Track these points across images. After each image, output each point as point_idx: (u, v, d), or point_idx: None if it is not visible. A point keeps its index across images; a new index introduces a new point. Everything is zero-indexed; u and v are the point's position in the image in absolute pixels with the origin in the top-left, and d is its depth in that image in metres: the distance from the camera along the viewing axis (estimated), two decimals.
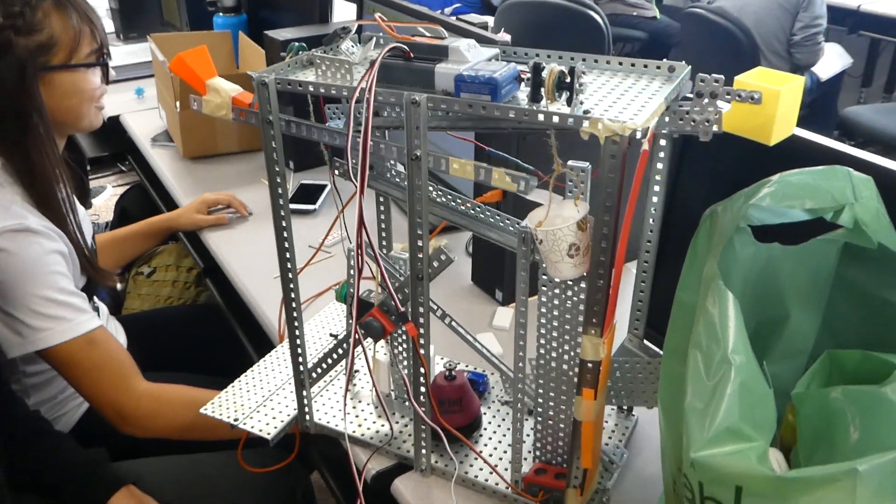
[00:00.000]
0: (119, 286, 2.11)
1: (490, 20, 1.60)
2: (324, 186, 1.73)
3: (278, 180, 0.87)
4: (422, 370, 0.89)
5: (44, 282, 1.10)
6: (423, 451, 0.95)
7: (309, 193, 1.71)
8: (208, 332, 1.62)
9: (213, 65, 0.89)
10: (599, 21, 2.78)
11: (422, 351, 0.87)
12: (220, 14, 2.33)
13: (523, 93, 0.77)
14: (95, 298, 1.40)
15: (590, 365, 0.77)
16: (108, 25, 2.97)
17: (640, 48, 4.28)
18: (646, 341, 1.00)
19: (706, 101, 0.77)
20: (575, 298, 0.81)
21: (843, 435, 0.66)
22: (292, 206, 1.65)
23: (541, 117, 0.70)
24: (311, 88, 0.82)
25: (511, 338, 1.26)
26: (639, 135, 0.67)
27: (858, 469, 0.59)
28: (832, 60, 3.53)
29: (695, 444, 0.65)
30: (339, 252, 1.48)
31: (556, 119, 0.69)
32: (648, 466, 0.98)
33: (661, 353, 0.99)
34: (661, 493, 0.91)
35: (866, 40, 3.89)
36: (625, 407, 1.04)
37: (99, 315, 1.33)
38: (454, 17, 1.52)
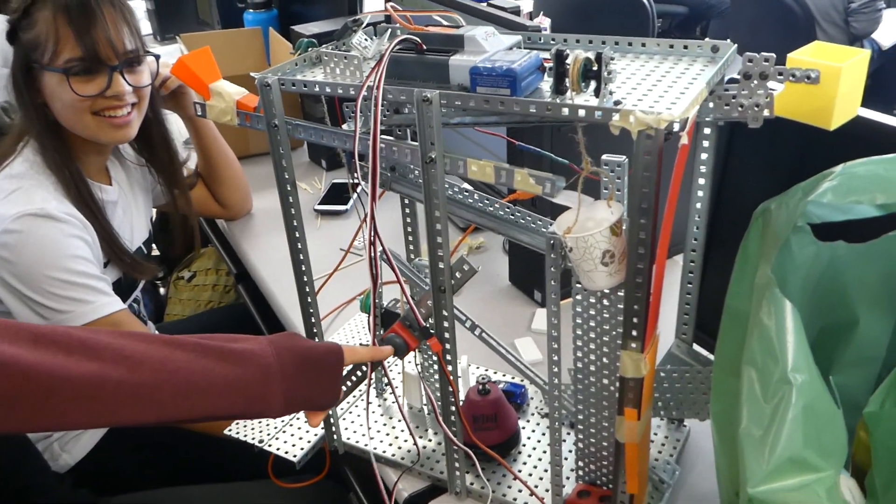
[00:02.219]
0: (162, 291, 2.10)
1: (525, 4, 1.52)
2: (357, 185, 1.67)
3: (288, 188, 0.81)
4: (449, 388, 0.82)
5: (61, 264, 1.08)
6: (457, 472, 0.88)
7: (342, 193, 1.65)
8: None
9: (216, 67, 0.84)
10: None
11: (448, 367, 0.81)
12: (251, 10, 2.29)
13: (547, 83, 0.69)
14: (139, 305, 1.38)
15: (631, 383, 0.69)
16: (146, 27, 2.97)
17: (680, 22, 4.12)
18: (695, 346, 0.92)
19: (755, 82, 0.69)
20: (613, 308, 0.74)
21: None
22: (323, 207, 1.60)
23: (565, 111, 0.63)
24: (317, 88, 0.75)
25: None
26: (676, 127, 0.59)
27: None
28: (893, 27, 3.32)
29: (752, 477, 0.57)
30: None
31: (581, 113, 0.62)
32: (703, 483, 0.90)
33: (711, 357, 0.91)
34: None
35: None
36: (675, 418, 0.96)
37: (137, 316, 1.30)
38: (486, 3, 1.44)
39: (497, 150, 1.31)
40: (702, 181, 0.81)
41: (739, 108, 0.70)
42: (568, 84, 0.63)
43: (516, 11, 1.40)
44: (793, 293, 0.63)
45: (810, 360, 0.60)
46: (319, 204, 1.61)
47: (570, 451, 0.92)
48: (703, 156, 0.80)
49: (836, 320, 0.72)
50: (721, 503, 0.79)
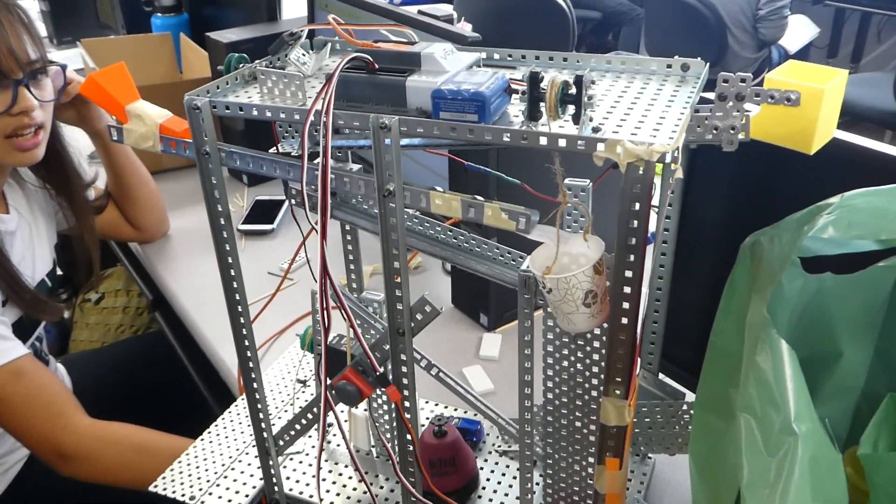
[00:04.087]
0: (66, 314, 1.94)
1: (444, 9, 1.46)
2: (282, 202, 1.57)
3: (222, 222, 0.72)
4: (408, 436, 0.75)
5: None
6: None
7: (266, 211, 1.55)
8: (162, 373, 1.46)
9: (134, 86, 0.74)
10: (562, 2, 2.65)
11: (407, 416, 0.74)
12: (159, 14, 2.15)
13: (515, 107, 0.63)
14: (41, 343, 1.24)
15: (613, 430, 0.64)
16: (42, 30, 2.77)
17: (594, 27, 4.17)
18: (662, 376, 0.88)
19: (730, 104, 0.64)
20: (588, 348, 0.68)
21: None
22: (248, 226, 1.50)
23: (543, 140, 0.56)
24: (254, 112, 0.67)
25: (502, 370, 1.13)
26: (668, 158, 0.54)
27: None
28: (799, 32, 3.44)
29: None
30: (302, 277, 1.33)
31: (562, 143, 0.56)
32: None
33: (679, 388, 0.87)
34: None
35: (831, 10, 3.81)
36: (640, 452, 0.92)
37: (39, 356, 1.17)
38: (415, 9, 1.37)
39: (438, 169, 1.25)
40: (670, 207, 0.77)
41: (714, 131, 0.66)
42: (544, 109, 0.57)
43: (450, 20, 1.34)
44: (780, 327, 0.59)
45: (811, 406, 0.56)
46: (243, 223, 1.50)
47: (533, 493, 0.86)
48: (672, 180, 0.75)
49: (819, 351, 0.69)
50: None
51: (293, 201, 0.88)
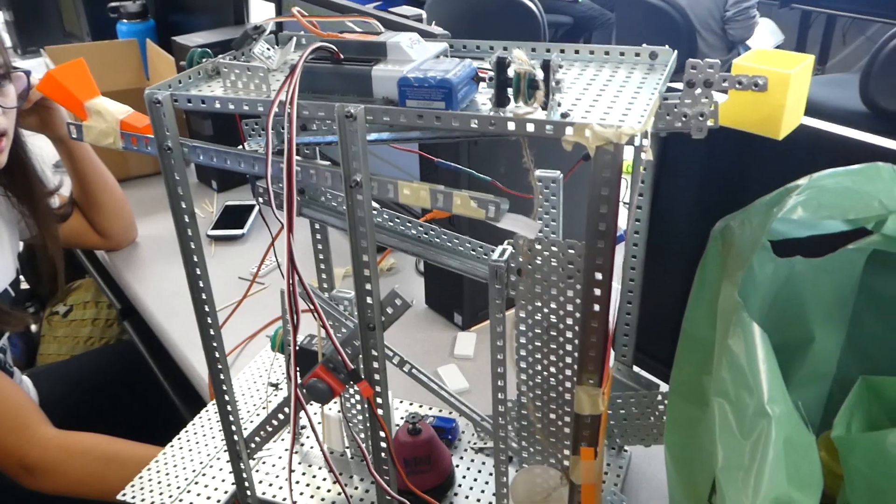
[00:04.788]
0: (33, 327, 1.90)
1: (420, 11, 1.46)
2: (252, 207, 1.55)
3: (186, 220, 0.71)
4: (382, 433, 0.74)
5: None
6: None
7: (236, 216, 1.53)
8: (132, 383, 1.43)
9: (93, 81, 0.72)
10: (533, 7, 2.66)
11: (380, 411, 0.72)
12: (125, 21, 2.12)
13: (483, 95, 0.62)
14: (5, 354, 1.21)
15: (588, 420, 0.63)
16: (6, 40, 2.72)
17: (566, 32, 4.20)
18: (636, 368, 0.87)
19: (699, 90, 0.64)
20: (561, 339, 0.67)
21: None
22: (217, 232, 1.48)
23: (511, 125, 0.56)
24: (217, 105, 0.66)
25: (477, 368, 1.12)
26: (637, 141, 0.53)
27: None
28: (764, 36, 3.49)
29: None
30: (274, 280, 1.32)
31: (530, 127, 0.55)
32: None
33: (654, 379, 0.87)
34: None
35: (797, 13, 3.87)
36: (616, 445, 0.91)
37: (3, 368, 1.14)
38: (384, 11, 1.36)
39: (408, 168, 1.24)
40: (641, 196, 0.76)
41: (683, 118, 0.65)
42: (511, 95, 0.57)
43: (419, 19, 1.33)
44: (753, 313, 0.59)
45: (784, 388, 0.56)
46: (213, 229, 1.48)
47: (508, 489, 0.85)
48: (643, 169, 0.75)
49: (792, 337, 0.69)
50: None
51: (260, 200, 0.87)
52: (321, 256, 0.92)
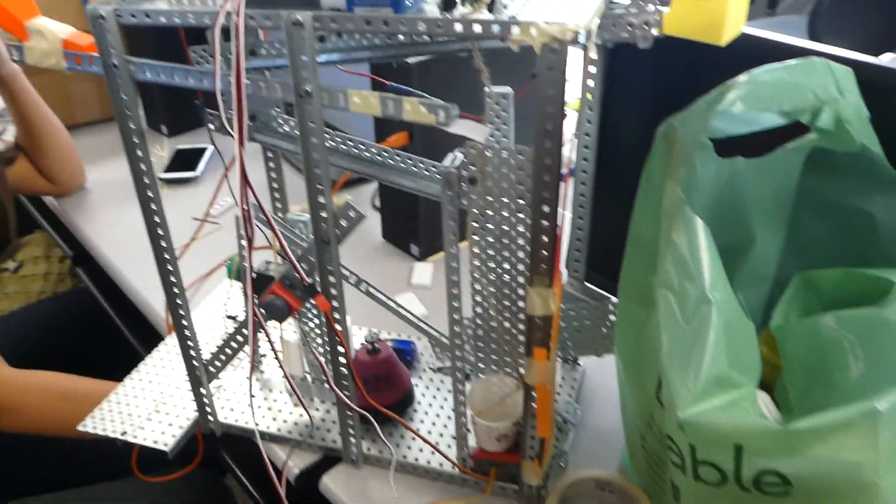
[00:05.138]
0: None
1: None
2: (204, 150, 1.53)
3: (135, 140, 0.70)
4: (340, 349, 0.75)
5: None
6: (353, 439, 0.82)
7: (188, 159, 1.51)
8: (88, 329, 1.42)
9: (33, 1, 0.71)
10: None
11: (338, 326, 0.74)
12: None
13: (431, 4, 0.62)
14: None
15: (540, 321, 0.65)
16: None
17: None
18: (587, 283, 0.90)
19: (643, 0, 0.65)
20: (513, 245, 0.69)
21: (842, 369, 0.57)
22: (170, 175, 1.46)
23: (458, 27, 0.56)
24: (162, 19, 0.65)
25: (434, 296, 1.14)
26: (582, 38, 0.54)
27: (878, 408, 0.50)
28: None
29: (681, 401, 0.55)
30: (229, 221, 1.31)
31: (477, 28, 0.56)
32: (604, 419, 0.89)
33: (606, 295, 0.89)
34: (622, 447, 0.82)
35: None
36: (570, 358, 0.94)
37: None
38: None
39: None
40: (589, 110, 0.78)
41: (629, 28, 0.67)
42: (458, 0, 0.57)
43: None
44: (696, 211, 0.61)
45: (724, 277, 0.58)
46: (165, 172, 1.46)
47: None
48: (591, 82, 0.76)
49: (735, 239, 0.71)
50: (627, 436, 0.78)
51: (212, 127, 0.86)
52: (275, 185, 0.92)
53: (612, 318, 0.84)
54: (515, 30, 0.55)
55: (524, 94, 0.82)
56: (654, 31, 0.66)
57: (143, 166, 0.72)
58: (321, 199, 0.67)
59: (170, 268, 0.77)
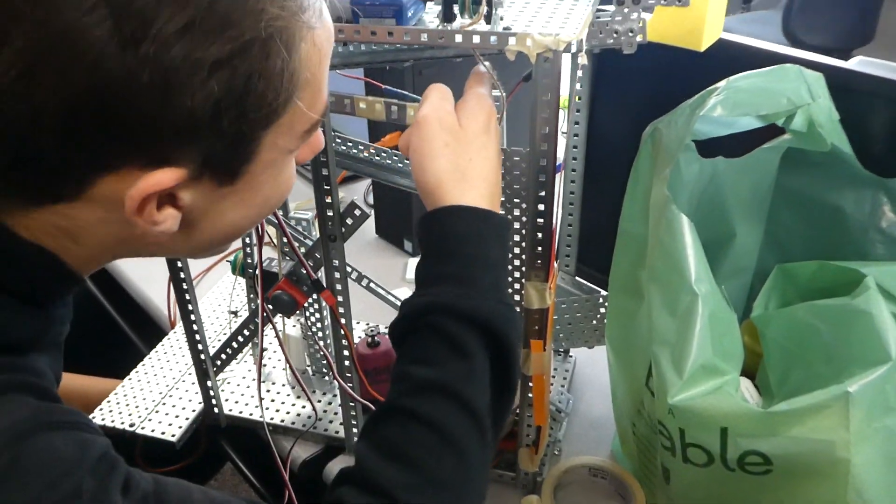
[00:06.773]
0: None
1: None
2: None
3: None
4: (345, 341, 0.79)
5: None
6: (355, 429, 0.85)
7: None
8: (85, 324, 1.44)
9: None
10: None
11: (343, 320, 0.77)
12: None
13: (430, 14, 0.66)
14: None
15: (536, 314, 0.69)
16: None
17: None
18: (578, 278, 0.94)
19: (627, 8, 0.69)
20: (510, 243, 0.73)
21: (817, 355, 0.61)
22: None
23: (458, 38, 0.60)
24: None
25: None
26: (573, 48, 0.58)
27: (850, 391, 0.54)
28: None
29: (671, 388, 0.59)
30: None
31: (476, 39, 0.59)
32: (595, 408, 0.93)
33: (596, 289, 0.93)
34: (613, 434, 0.86)
35: None
36: (562, 349, 0.98)
37: None
38: None
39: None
40: (578, 112, 0.82)
41: (614, 35, 0.71)
42: (457, 11, 0.61)
43: None
44: (682, 210, 0.65)
45: (709, 271, 0.62)
46: None
47: None
48: (579, 86, 0.80)
49: (716, 235, 0.76)
50: (618, 423, 0.83)
51: None
52: None
53: (602, 310, 0.88)
54: (512, 41, 0.58)
55: (514, 95, 0.86)
56: (639, 38, 0.70)
57: None
58: (328, 199, 0.70)
59: (179, 264, 0.80)
